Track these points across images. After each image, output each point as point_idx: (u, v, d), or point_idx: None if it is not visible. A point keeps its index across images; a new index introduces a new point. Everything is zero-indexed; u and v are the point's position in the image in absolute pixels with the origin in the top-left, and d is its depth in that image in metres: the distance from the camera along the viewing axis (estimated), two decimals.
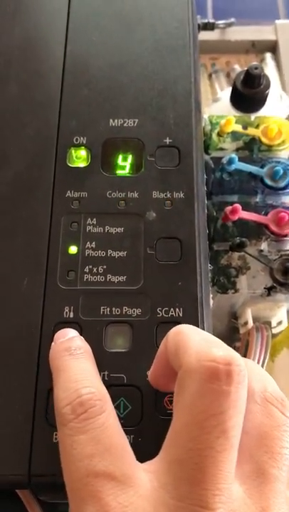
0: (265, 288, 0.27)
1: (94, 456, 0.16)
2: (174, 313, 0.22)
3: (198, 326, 0.22)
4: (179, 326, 0.19)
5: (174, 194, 0.24)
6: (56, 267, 0.23)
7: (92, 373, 0.19)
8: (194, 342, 0.17)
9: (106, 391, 0.18)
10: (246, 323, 0.29)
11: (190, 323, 0.21)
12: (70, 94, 0.26)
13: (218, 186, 0.30)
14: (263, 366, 0.30)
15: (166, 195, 0.24)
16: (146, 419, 0.20)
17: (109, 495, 0.15)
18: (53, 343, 0.20)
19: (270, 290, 0.27)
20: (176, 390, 0.17)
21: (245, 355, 0.29)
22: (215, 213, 0.29)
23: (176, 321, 0.22)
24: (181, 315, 0.22)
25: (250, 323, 0.28)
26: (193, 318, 0.22)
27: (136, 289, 0.22)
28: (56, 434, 0.20)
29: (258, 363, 0.29)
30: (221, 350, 0.16)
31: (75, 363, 0.19)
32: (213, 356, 0.16)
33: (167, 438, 0.17)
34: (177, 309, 0.22)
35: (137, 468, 0.16)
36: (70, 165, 0.25)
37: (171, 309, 0.22)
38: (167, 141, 0.25)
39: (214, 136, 0.31)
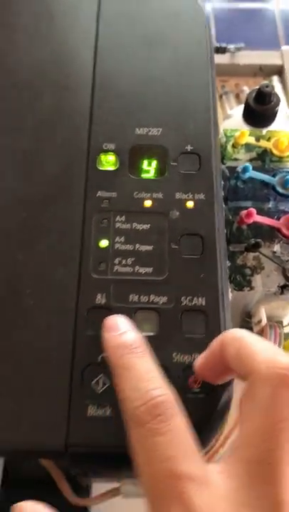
0: (278, 286, 0.29)
1: (175, 458, 0.17)
2: (197, 302, 0.24)
3: (219, 314, 0.23)
4: (234, 330, 0.20)
5: (196, 195, 0.26)
6: (89, 259, 0.25)
7: (158, 373, 0.19)
8: (259, 349, 0.18)
9: (172, 392, 0.19)
10: (260, 321, 0.31)
11: (212, 312, 0.23)
12: (99, 106, 0.29)
13: (233, 193, 0.32)
14: None
15: (188, 196, 0.26)
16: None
17: (193, 496, 0.16)
18: (107, 334, 0.21)
19: (283, 288, 0.29)
20: (245, 394, 0.18)
21: None
22: (231, 217, 0.31)
23: (199, 309, 0.24)
24: (204, 304, 0.24)
25: (264, 321, 0.30)
26: (215, 307, 0.24)
27: (162, 280, 0.24)
28: (90, 409, 0.21)
29: None
30: (285, 357, 0.18)
31: (139, 361, 0.19)
32: (281, 364, 0.17)
33: (238, 441, 0.18)
34: (200, 298, 0.24)
35: (209, 469, 0.17)
36: (100, 168, 0.27)
37: (195, 298, 0.24)
38: (189, 148, 0.28)
39: (229, 147, 0.33)
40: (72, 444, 0.21)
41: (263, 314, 0.30)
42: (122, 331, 0.21)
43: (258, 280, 0.29)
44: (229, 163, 0.33)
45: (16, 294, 0.24)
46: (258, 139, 0.34)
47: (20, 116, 0.28)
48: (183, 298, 0.24)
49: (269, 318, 0.32)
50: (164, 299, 0.24)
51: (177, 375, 0.22)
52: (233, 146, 0.33)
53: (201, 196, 0.26)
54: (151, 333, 0.23)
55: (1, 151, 0.27)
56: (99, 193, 0.26)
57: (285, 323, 0.33)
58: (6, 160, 0.27)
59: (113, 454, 0.21)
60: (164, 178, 0.27)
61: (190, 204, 0.26)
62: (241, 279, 0.29)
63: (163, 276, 0.24)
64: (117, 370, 0.20)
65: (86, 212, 0.26)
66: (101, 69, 0.30)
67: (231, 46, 0.48)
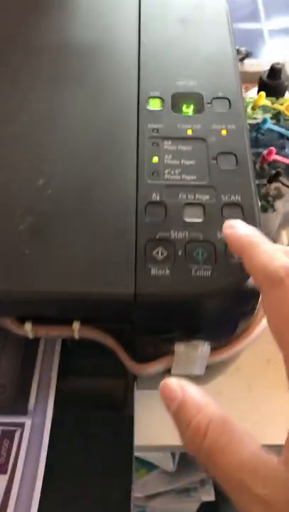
0: None
1: None
2: (234, 199, 0.29)
3: (254, 207, 0.29)
4: None
5: (228, 126, 0.32)
6: (144, 170, 0.30)
7: None
8: None
9: None
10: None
11: (247, 205, 0.29)
12: (145, 66, 0.35)
13: (255, 142, 0.38)
14: None
15: (222, 127, 0.32)
16: (220, 260, 0.27)
17: None
18: (229, 230, 0.25)
19: None
20: None
21: None
22: (254, 159, 0.37)
23: (237, 204, 0.29)
24: (240, 200, 0.29)
25: (285, 243, 0.35)
26: (249, 201, 0.29)
27: (204, 184, 0.30)
28: (153, 270, 0.26)
29: None
30: None
31: (266, 241, 0.23)
32: None
33: None
34: (237, 196, 0.29)
35: None
36: (149, 108, 0.33)
37: (232, 196, 0.29)
38: (220, 94, 0.34)
39: (249, 109, 0.40)
40: (140, 294, 0.25)
41: (284, 236, 0.35)
42: (242, 226, 0.25)
43: (279, 204, 0.35)
44: (250, 121, 0.39)
45: (86, 200, 0.29)
46: (272, 103, 0.40)
47: (83, 74, 0.35)
48: (222, 196, 0.29)
49: None
50: (207, 197, 0.29)
51: (222, 247, 0.27)
52: (252, 108, 0.40)
53: (233, 126, 0.32)
54: (200, 220, 0.28)
55: (68, 98, 0.34)
56: (149, 125, 0.32)
57: None
58: (75, 104, 0.33)
59: (175, 303, 0.26)
60: (201, 115, 0.33)
61: (224, 132, 0.32)
62: (265, 204, 0.35)
63: (205, 182, 0.30)
64: (247, 250, 0.23)
65: (139, 139, 0.32)
66: (145, 40, 0.37)
67: (243, 48, 0.56)
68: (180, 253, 0.27)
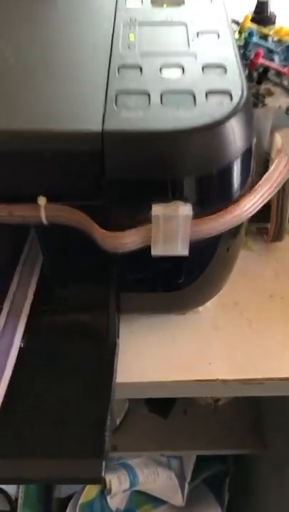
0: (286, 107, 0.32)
1: None
2: (216, 61, 0.27)
3: (238, 67, 0.26)
4: None
5: (209, 14, 0.31)
6: (118, 44, 0.28)
7: None
8: None
9: None
10: (279, 151, 0.33)
11: (231, 65, 0.26)
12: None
13: (243, 57, 0.36)
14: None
15: (203, 15, 0.31)
16: (199, 104, 0.24)
17: None
18: None
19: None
20: None
21: None
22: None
23: (219, 65, 0.26)
24: (222, 62, 0.27)
25: (279, 145, 0.32)
26: (232, 63, 0.27)
27: (184, 51, 0.28)
28: (125, 112, 0.23)
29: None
30: None
31: None
32: None
33: None
34: (219, 59, 0.27)
35: None
36: (128, 6, 0.32)
37: (214, 59, 0.27)
38: None
39: (236, 34, 0.39)
40: (108, 131, 0.22)
41: (278, 139, 0.32)
42: None
43: (269, 101, 0.32)
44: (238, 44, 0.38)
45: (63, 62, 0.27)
46: (259, 28, 0.39)
47: None
48: (203, 59, 0.27)
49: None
50: (186, 60, 0.27)
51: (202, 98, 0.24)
52: (239, 31, 0.39)
53: (214, 14, 0.31)
54: (178, 77, 0.26)
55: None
56: (126, 16, 0.31)
57: None
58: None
59: (146, 140, 0.23)
60: (181, 7, 0.32)
61: (204, 18, 0.30)
62: (256, 100, 0.32)
63: (185, 50, 0.28)
64: None
65: (115, 28, 0.30)
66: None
67: None
68: (155, 101, 0.24)
